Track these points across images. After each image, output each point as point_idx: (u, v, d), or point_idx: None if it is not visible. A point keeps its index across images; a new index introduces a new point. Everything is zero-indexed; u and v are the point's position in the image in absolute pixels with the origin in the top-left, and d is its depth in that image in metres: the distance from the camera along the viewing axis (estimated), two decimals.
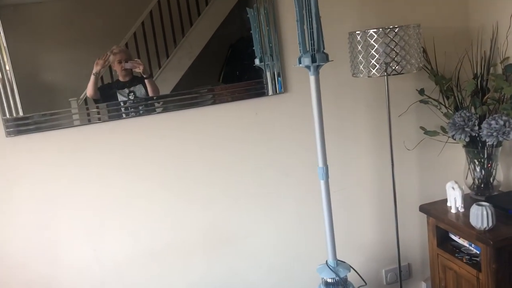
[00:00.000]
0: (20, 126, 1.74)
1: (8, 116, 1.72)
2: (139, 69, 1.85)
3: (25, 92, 1.72)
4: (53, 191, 1.82)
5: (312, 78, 1.63)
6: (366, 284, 1.95)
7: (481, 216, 1.73)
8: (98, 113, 1.81)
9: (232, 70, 1.95)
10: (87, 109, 1.80)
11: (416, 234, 2.31)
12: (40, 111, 1.74)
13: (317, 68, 1.62)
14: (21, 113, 1.72)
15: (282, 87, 1.99)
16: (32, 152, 1.77)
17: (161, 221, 1.96)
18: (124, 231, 1.92)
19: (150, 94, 1.86)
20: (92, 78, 1.79)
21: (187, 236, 2.00)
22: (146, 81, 1.85)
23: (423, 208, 2.07)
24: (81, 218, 1.87)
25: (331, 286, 1.87)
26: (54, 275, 1.88)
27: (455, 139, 1.97)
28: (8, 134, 1.73)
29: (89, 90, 1.80)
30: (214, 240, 2.04)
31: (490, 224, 1.73)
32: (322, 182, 1.74)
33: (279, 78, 1.98)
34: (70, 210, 1.85)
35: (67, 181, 1.83)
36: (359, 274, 1.93)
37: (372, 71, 1.82)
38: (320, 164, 1.72)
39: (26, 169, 1.78)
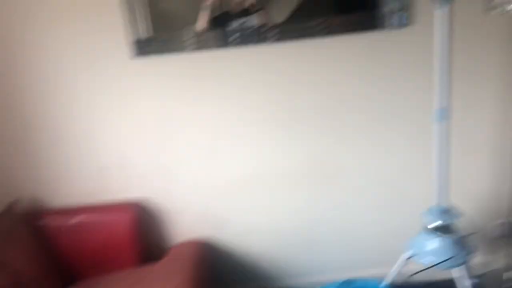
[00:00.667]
0: (145, 48, 1.85)
1: (135, 38, 1.84)
2: (252, 1, 1.84)
3: (153, 15, 1.81)
4: (172, 112, 1.96)
5: (443, 9, 1.50)
6: (475, 232, 1.88)
7: None
8: (213, 41, 1.86)
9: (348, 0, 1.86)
10: (202, 36, 1.85)
11: None
12: (162, 35, 1.84)
13: None
14: (146, 35, 1.83)
15: (406, 19, 1.85)
16: (153, 74, 1.90)
17: (271, 150, 2.02)
18: (235, 156, 2.02)
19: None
20: (205, 10, 1.82)
21: (293, 167, 2.04)
22: (258, 13, 1.84)
23: None
24: (195, 140, 2.00)
25: (437, 230, 1.82)
26: (167, 188, 2.06)
27: None
28: (134, 55, 1.86)
29: (201, 22, 1.84)
30: (320, 174, 2.07)
31: None
32: (440, 124, 1.65)
33: (402, 11, 1.85)
34: (185, 130, 1.99)
35: (184, 104, 1.95)
36: (470, 222, 1.85)
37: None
38: (441, 104, 1.62)
39: (148, 89, 1.92)
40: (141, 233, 2.01)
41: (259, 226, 2.13)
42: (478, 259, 2.19)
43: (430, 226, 1.82)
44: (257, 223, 2.13)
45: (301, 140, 2.02)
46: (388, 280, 2.05)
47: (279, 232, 2.14)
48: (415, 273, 1.89)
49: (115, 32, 1.84)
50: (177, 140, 2.00)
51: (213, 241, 2.13)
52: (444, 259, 1.76)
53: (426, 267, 1.83)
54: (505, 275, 2.10)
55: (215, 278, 2.12)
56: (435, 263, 1.78)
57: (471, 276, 2.05)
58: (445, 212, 1.80)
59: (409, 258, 1.93)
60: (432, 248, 1.81)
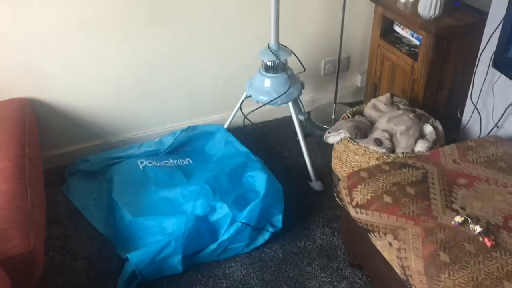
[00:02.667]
0: None
1: None
2: None
3: None
4: None
5: None
6: (304, 70, 1.97)
7: (429, 4, 1.69)
8: None
9: None
10: None
11: (361, 28, 2.27)
12: None
13: None
14: None
15: None
16: None
17: None
18: None
19: None
20: None
21: (121, 11, 1.83)
22: None
23: None
24: None
25: (270, 70, 1.86)
26: None
27: None
28: None
29: None
30: (155, 16, 1.88)
31: (437, 12, 1.70)
32: None
33: None
34: None
35: None
36: (299, 60, 1.92)
37: None
38: None
39: None
40: None
41: (91, 80, 1.94)
42: (309, 96, 2.37)
43: (263, 65, 1.85)
44: (88, 77, 1.93)
45: None
46: (227, 123, 2.12)
47: (113, 85, 1.99)
48: (251, 111, 1.97)
49: None
50: None
51: (40, 100, 1.90)
52: (276, 96, 1.83)
53: (261, 104, 1.90)
54: (333, 108, 2.32)
55: (45, 138, 1.94)
56: (269, 100, 1.85)
57: (303, 112, 2.23)
58: (278, 51, 1.82)
59: (245, 98, 1.98)
60: (266, 87, 1.87)
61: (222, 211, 1.62)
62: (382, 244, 1.25)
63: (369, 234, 1.30)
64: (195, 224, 1.57)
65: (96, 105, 2.00)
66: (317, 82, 2.37)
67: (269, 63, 1.83)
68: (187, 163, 1.99)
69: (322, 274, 1.57)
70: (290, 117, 1.93)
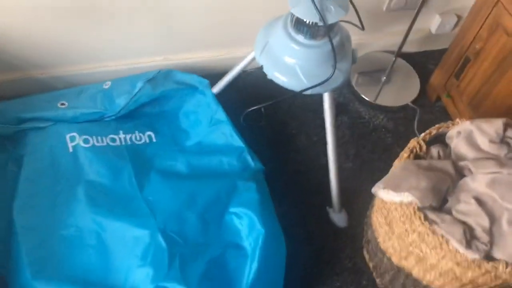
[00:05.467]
0: None
1: None
2: None
3: None
4: None
5: None
6: (363, 29, 1.13)
7: None
8: None
9: None
10: None
11: None
12: None
13: None
14: None
15: None
16: None
17: None
18: None
19: None
20: None
21: None
22: None
23: None
24: None
25: (305, 32, 1.02)
26: None
27: None
28: None
29: None
30: None
31: None
32: None
33: None
34: None
35: None
36: (358, 15, 1.07)
37: None
38: None
39: None
40: None
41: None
42: (356, 38, 1.51)
43: (293, 18, 1.00)
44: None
45: None
46: (217, 87, 1.32)
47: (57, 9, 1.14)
48: (264, 105, 1.19)
49: None
50: None
51: None
52: (307, 84, 1.03)
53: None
54: (390, 62, 1.50)
55: None
56: (293, 87, 1.05)
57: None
58: (325, 2, 0.96)
59: (250, 61, 1.18)
60: (291, 61, 1.04)
61: None
62: None
63: None
64: None
65: (16, 17, 1.17)
66: (375, 19, 1.49)
67: (305, 20, 0.98)
68: (147, 140, 1.27)
69: None
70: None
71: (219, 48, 1.41)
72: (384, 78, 1.52)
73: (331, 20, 0.95)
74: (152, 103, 1.31)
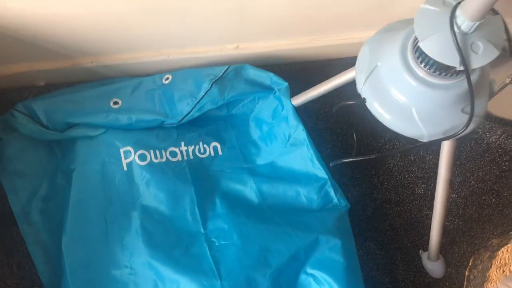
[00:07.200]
0: None
1: None
2: None
3: None
4: None
5: None
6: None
7: None
8: None
9: None
10: None
11: None
12: None
13: None
14: None
15: None
16: None
17: None
18: None
19: None
20: None
21: None
22: None
23: None
24: None
25: (434, 67, 0.74)
26: None
27: None
28: None
29: None
30: None
31: None
32: None
33: None
34: None
35: None
36: (509, 40, 0.76)
37: None
38: None
39: None
40: None
41: None
42: None
43: (414, 46, 0.72)
44: None
45: None
46: (299, 99, 1.06)
47: None
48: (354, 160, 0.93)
49: None
50: None
51: None
52: (427, 136, 0.78)
53: None
54: None
55: None
56: (408, 133, 0.80)
57: None
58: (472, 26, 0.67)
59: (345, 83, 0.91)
60: (405, 101, 0.78)
61: None
62: None
63: None
64: None
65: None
66: None
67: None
68: (212, 152, 1.08)
69: None
70: None
71: (301, 36, 1.13)
72: (509, 79, 1.19)
73: (476, 64, 0.67)
74: (219, 106, 1.09)
